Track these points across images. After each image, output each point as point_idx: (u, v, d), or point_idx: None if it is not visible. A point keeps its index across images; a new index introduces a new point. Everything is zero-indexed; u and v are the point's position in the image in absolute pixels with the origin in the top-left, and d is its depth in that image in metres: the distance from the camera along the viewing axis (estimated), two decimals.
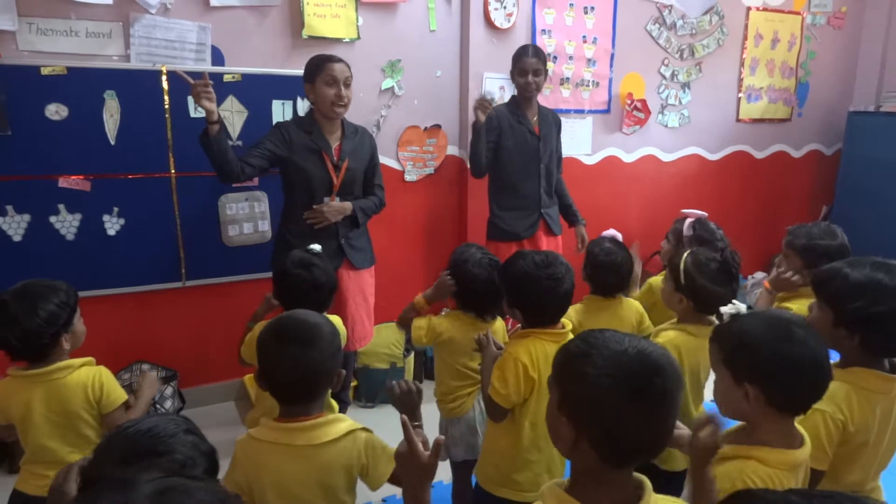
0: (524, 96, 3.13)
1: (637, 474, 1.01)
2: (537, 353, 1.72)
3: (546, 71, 3.11)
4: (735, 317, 1.34)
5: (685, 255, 1.98)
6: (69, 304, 1.73)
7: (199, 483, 0.70)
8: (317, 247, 2.16)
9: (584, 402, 0.97)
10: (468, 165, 3.21)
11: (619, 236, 2.43)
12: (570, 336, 1.77)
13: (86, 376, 1.74)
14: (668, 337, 1.91)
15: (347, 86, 2.60)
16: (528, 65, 3.04)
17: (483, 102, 3.01)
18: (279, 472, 1.36)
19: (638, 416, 0.94)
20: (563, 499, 0.98)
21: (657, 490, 1.01)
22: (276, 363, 1.38)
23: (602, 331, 1.03)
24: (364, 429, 1.46)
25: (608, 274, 2.29)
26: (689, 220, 2.57)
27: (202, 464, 1.03)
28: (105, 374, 1.78)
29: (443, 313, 2.19)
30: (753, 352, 1.26)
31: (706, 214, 2.63)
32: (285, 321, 1.45)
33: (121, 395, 1.79)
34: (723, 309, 1.35)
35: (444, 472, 2.42)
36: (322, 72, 2.56)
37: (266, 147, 2.57)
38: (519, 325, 1.85)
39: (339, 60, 2.61)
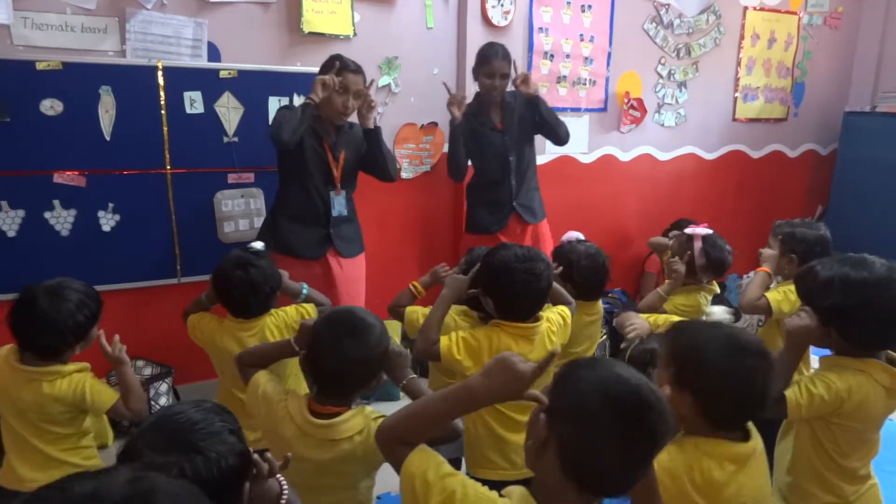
0: (487, 99, 3.11)
1: None
2: (499, 343, 1.74)
3: (510, 74, 3.06)
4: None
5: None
6: (95, 315, 1.78)
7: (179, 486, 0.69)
8: (258, 244, 2.11)
9: (568, 418, 0.95)
10: (448, 169, 3.22)
11: (582, 236, 2.41)
12: (540, 331, 1.79)
13: (69, 385, 1.74)
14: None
15: (358, 97, 2.63)
16: (496, 68, 3.02)
17: (456, 99, 3.02)
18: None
19: (622, 450, 0.92)
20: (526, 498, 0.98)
21: None
22: (324, 352, 1.44)
23: (615, 362, 1.03)
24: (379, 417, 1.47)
25: (596, 277, 2.25)
26: (698, 245, 2.39)
27: (233, 464, 1.02)
28: (88, 383, 1.76)
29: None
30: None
31: (712, 231, 2.45)
32: (344, 315, 1.51)
33: (108, 397, 1.79)
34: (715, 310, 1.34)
35: None
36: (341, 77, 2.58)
37: None
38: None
39: (357, 71, 2.64)
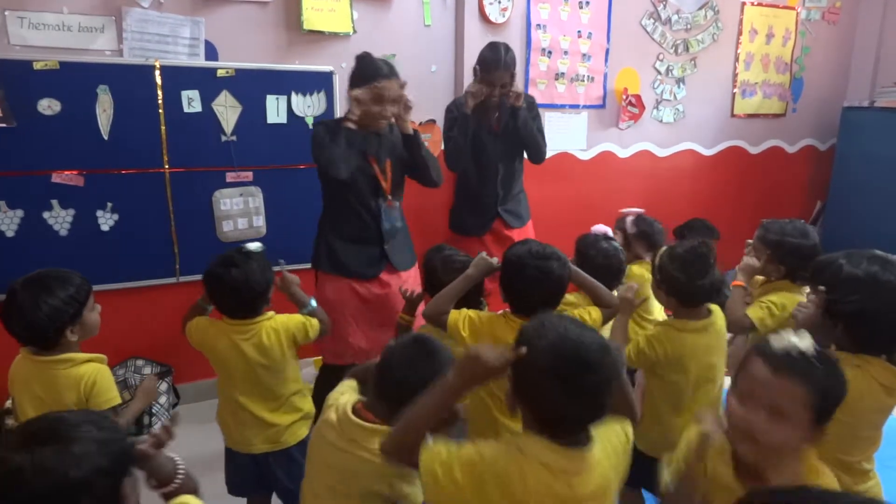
0: (468, 102, 2.95)
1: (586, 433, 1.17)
2: (500, 333, 1.76)
3: (514, 77, 2.94)
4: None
5: (661, 251, 1.99)
6: (77, 299, 1.73)
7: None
8: (253, 245, 2.04)
9: (522, 378, 1.15)
10: (446, 158, 3.06)
11: (609, 231, 2.42)
12: None
13: (83, 373, 1.73)
14: (646, 332, 1.95)
15: (396, 103, 2.42)
16: (497, 79, 2.87)
17: (478, 91, 2.91)
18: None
19: (572, 402, 1.11)
20: (541, 443, 1.13)
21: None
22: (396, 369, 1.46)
23: (561, 317, 1.21)
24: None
25: (606, 278, 2.19)
26: (630, 218, 2.81)
27: (97, 461, 0.97)
28: (102, 374, 1.76)
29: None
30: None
31: (643, 210, 2.86)
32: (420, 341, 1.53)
33: (112, 398, 1.76)
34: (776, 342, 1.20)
35: None
36: (368, 83, 2.38)
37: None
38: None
39: (390, 74, 2.39)
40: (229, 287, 1.92)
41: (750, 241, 2.31)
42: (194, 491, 1.20)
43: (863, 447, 1.59)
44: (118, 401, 1.79)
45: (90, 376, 1.74)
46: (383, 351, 1.51)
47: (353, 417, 1.44)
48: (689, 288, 1.87)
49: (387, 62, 2.44)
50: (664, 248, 2.01)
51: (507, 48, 2.92)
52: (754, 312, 2.11)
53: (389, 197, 2.55)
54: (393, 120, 2.48)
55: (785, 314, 2.05)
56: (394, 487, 1.41)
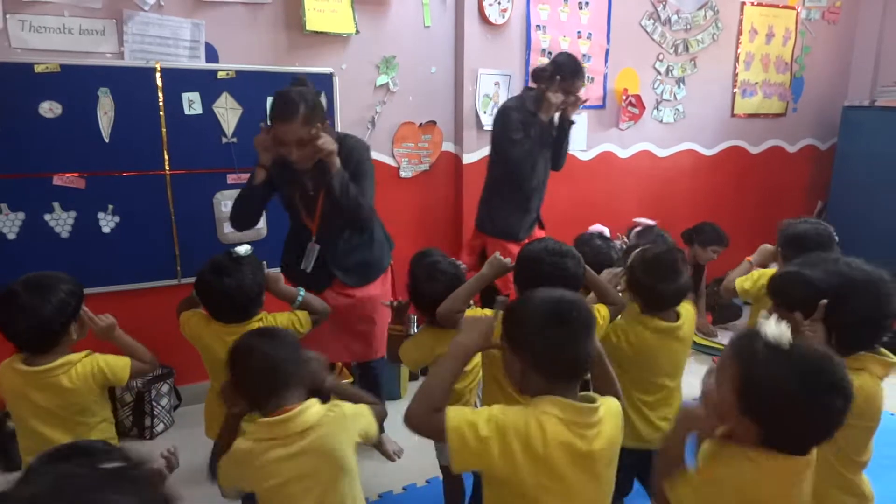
0: (550, 110, 2.97)
1: (589, 394, 1.33)
2: None
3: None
4: None
5: (635, 251, 2.06)
6: (76, 293, 1.77)
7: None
8: (242, 249, 1.96)
9: (524, 337, 1.29)
10: (516, 162, 3.00)
11: (607, 231, 2.43)
12: None
13: (86, 369, 1.77)
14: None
15: (302, 145, 2.19)
16: (576, 87, 2.94)
17: (559, 99, 2.94)
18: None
19: (564, 339, 1.26)
20: (552, 400, 1.26)
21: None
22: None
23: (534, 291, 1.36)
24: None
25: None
26: (636, 229, 2.82)
27: None
28: (102, 360, 1.81)
29: (416, 330, 2.13)
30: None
31: (655, 223, 2.82)
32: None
33: (124, 363, 1.85)
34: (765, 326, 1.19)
35: (437, 470, 2.44)
36: (272, 124, 2.21)
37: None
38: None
39: (291, 119, 2.13)
40: (223, 295, 1.91)
41: (749, 258, 2.53)
42: None
43: (870, 447, 1.60)
44: (127, 360, 1.87)
45: (95, 367, 1.78)
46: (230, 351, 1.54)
47: (273, 419, 1.45)
48: (653, 292, 1.94)
49: (303, 97, 2.16)
50: (638, 249, 2.07)
51: (582, 64, 3.02)
52: (740, 282, 2.35)
53: (313, 238, 2.41)
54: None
55: (762, 280, 2.21)
56: (361, 426, 1.56)
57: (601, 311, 1.95)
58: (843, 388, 1.11)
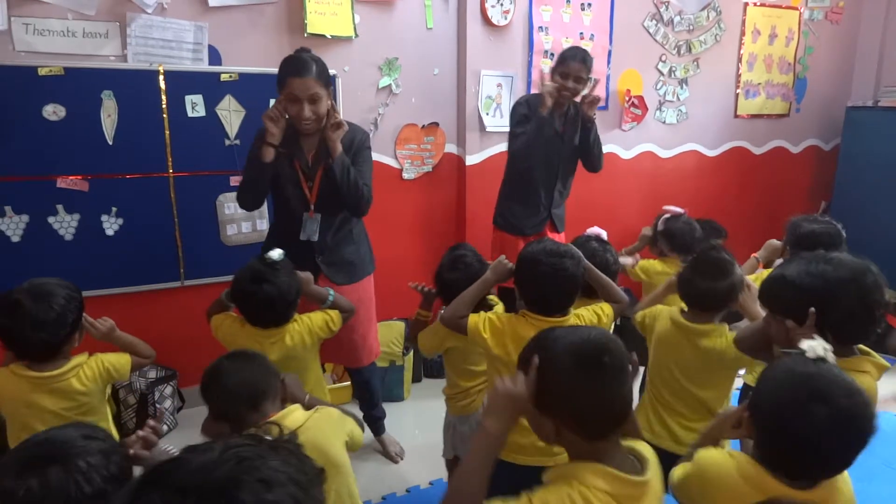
0: (545, 101, 2.96)
1: (638, 445, 1.17)
2: (521, 331, 1.76)
3: (588, 80, 2.96)
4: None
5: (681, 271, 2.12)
6: (78, 299, 1.79)
7: None
8: (275, 253, 1.97)
9: (550, 396, 1.12)
10: (517, 154, 3.05)
11: (604, 234, 2.43)
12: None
13: (93, 370, 1.81)
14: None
15: (314, 102, 2.22)
16: (572, 69, 2.92)
17: (549, 88, 2.92)
18: None
19: (596, 389, 1.10)
20: (596, 470, 1.08)
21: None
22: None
23: (555, 329, 1.21)
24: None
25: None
26: (664, 216, 2.86)
27: (98, 484, 0.99)
28: (105, 359, 1.86)
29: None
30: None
31: (684, 212, 2.86)
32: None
33: (126, 359, 1.92)
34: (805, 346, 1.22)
35: (441, 471, 2.44)
36: (283, 87, 2.23)
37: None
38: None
39: (305, 73, 2.19)
40: (263, 303, 1.93)
41: (755, 255, 2.57)
42: None
43: None
44: (127, 357, 1.93)
45: (101, 366, 1.82)
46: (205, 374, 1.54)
47: (257, 429, 1.45)
48: (699, 290, 1.99)
49: (314, 59, 2.23)
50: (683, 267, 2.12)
51: (586, 52, 3.00)
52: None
53: (312, 207, 2.38)
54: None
55: (764, 273, 2.24)
56: (347, 430, 1.59)
57: (605, 310, 1.97)
58: (828, 397, 1.11)
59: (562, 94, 2.96)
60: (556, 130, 3.06)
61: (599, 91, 3.95)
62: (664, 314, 2.08)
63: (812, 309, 1.45)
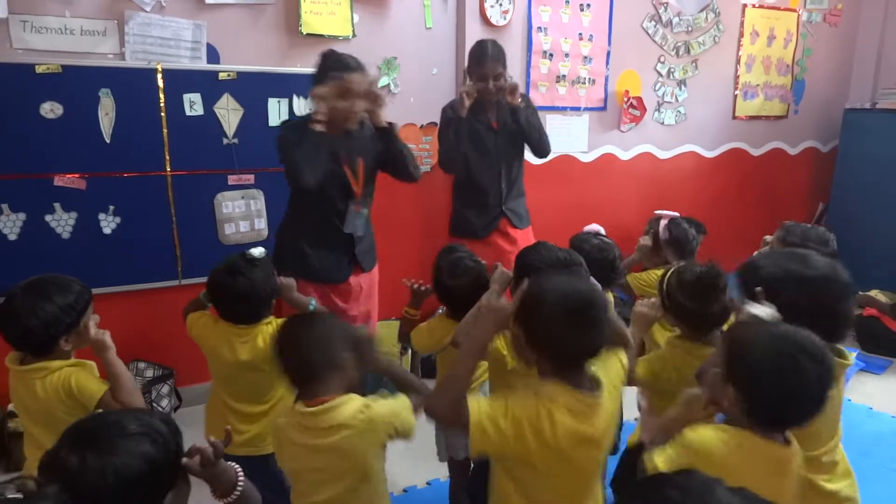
0: (462, 104, 2.92)
1: (596, 371, 1.38)
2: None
3: (505, 69, 2.92)
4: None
5: (668, 274, 1.92)
6: (75, 308, 1.68)
7: None
8: (257, 251, 1.97)
9: (539, 331, 1.33)
10: (440, 159, 3.09)
11: (602, 230, 2.42)
12: None
13: (58, 381, 1.67)
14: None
15: (365, 97, 2.33)
16: (489, 70, 2.87)
17: (470, 89, 2.90)
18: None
19: (581, 334, 1.31)
20: (561, 390, 1.30)
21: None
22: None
23: (550, 278, 1.40)
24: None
25: (602, 271, 2.15)
26: (663, 222, 2.73)
27: (136, 469, 1.01)
28: (75, 376, 1.68)
29: (439, 313, 2.18)
30: None
31: (678, 215, 2.79)
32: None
33: (96, 389, 1.68)
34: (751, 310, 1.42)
35: (442, 470, 2.44)
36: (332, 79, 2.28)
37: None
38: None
39: (357, 67, 2.31)
40: (236, 295, 1.91)
41: (768, 237, 2.40)
42: (257, 501, 1.22)
43: (823, 440, 1.55)
44: (104, 388, 1.69)
45: (65, 381, 1.66)
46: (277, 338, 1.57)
47: (306, 409, 1.44)
48: (697, 317, 1.82)
49: (353, 57, 2.35)
50: (672, 269, 1.96)
51: (494, 42, 2.96)
52: None
53: (358, 201, 2.47)
54: (366, 116, 2.38)
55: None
56: (392, 428, 1.48)
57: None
58: (814, 353, 1.22)
59: (487, 95, 2.95)
60: (488, 127, 3.04)
61: (598, 92, 3.97)
62: (668, 367, 1.86)
63: (759, 289, 1.51)
